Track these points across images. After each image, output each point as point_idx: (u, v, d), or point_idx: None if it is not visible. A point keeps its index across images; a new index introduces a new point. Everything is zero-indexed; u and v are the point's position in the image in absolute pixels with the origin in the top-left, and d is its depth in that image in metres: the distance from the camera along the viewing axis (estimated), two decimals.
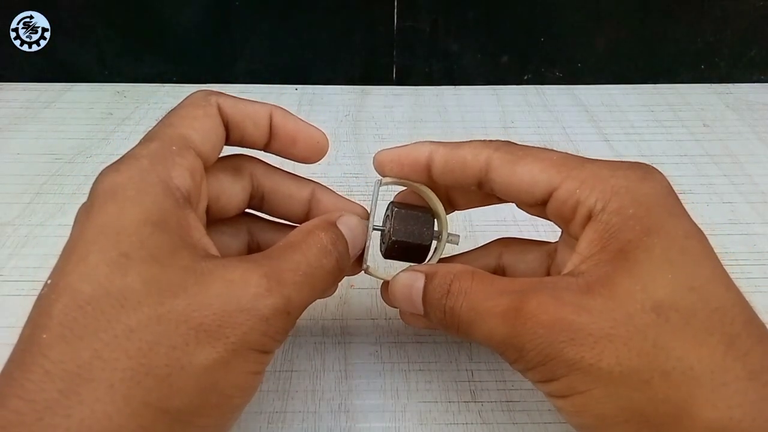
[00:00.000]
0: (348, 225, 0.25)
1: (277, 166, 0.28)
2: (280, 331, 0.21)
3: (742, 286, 0.21)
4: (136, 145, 0.23)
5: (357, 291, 0.35)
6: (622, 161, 0.23)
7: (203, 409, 0.20)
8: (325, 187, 0.28)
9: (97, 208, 0.20)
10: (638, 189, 0.22)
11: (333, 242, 0.24)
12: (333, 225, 0.25)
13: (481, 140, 0.25)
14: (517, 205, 0.28)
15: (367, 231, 0.26)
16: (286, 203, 0.28)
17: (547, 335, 0.20)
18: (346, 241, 0.25)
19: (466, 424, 0.28)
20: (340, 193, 0.28)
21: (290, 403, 0.28)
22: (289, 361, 0.31)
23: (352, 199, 0.28)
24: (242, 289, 0.20)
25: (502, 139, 0.25)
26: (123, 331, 0.18)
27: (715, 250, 0.22)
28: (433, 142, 0.26)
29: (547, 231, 0.29)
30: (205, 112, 0.24)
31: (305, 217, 0.28)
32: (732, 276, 0.21)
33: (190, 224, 0.21)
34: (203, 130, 0.24)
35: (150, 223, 0.20)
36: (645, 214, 0.21)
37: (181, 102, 0.25)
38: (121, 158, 0.22)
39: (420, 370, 0.30)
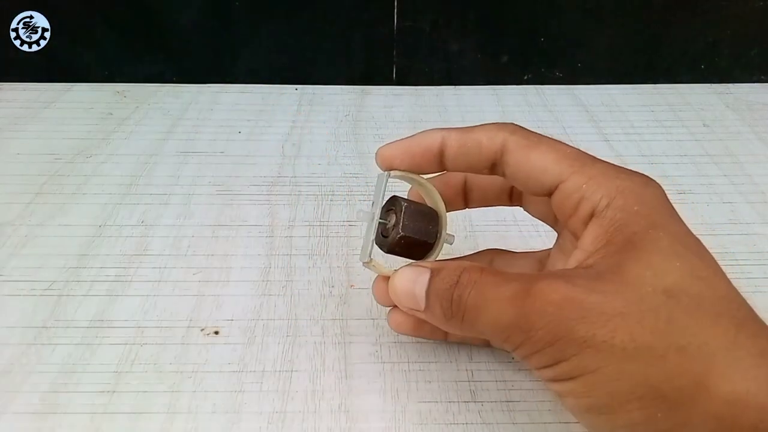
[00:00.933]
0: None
1: None
2: None
3: (742, 286, 0.21)
4: None
5: (357, 291, 0.35)
6: (625, 168, 0.24)
7: None
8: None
9: None
10: (641, 191, 0.23)
11: None
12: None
13: (493, 123, 0.25)
14: (522, 207, 0.28)
15: (373, 224, 0.26)
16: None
17: (557, 313, 0.20)
18: None
19: (466, 424, 0.28)
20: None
21: (290, 403, 0.28)
22: (289, 361, 0.31)
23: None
24: None
25: (514, 123, 0.25)
26: None
27: (715, 250, 0.22)
28: (443, 128, 0.26)
29: (547, 231, 0.29)
30: None
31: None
32: (732, 276, 0.22)
33: None
34: None
35: None
36: (649, 213, 0.22)
37: None
38: None
39: (420, 370, 0.30)
